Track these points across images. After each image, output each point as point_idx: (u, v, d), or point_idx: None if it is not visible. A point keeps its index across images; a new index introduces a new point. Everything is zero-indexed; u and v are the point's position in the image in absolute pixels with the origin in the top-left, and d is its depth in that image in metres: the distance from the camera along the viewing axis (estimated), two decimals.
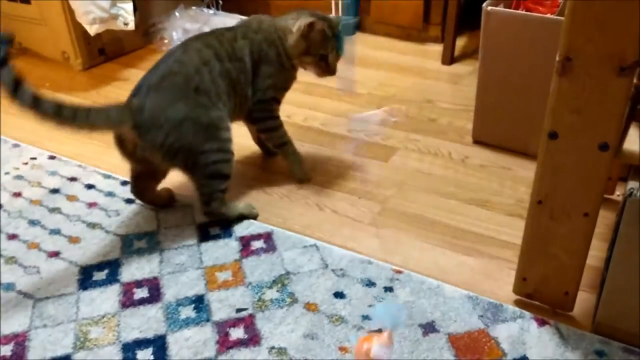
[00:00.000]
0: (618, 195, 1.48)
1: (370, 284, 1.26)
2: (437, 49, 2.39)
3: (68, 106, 1.25)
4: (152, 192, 1.52)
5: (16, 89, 1.16)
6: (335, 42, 1.50)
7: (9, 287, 1.28)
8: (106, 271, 1.32)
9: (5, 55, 1.14)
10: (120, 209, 1.52)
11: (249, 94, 1.49)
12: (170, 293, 1.25)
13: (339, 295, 1.24)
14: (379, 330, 1.07)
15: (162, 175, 1.50)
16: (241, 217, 1.47)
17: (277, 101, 1.57)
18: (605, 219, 1.32)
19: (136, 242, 1.40)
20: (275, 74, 1.50)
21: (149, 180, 1.50)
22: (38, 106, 1.20)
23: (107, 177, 1.65)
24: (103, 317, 1.20)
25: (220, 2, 2.66)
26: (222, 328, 1.17)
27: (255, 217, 1.48)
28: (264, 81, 1.49)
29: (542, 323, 1.16)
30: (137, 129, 1.33)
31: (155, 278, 1.29)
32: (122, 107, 1.34)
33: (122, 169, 1.59)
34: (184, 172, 1.41)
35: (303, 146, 1.77)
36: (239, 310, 1.21)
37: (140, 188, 1.51)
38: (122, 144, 1.40)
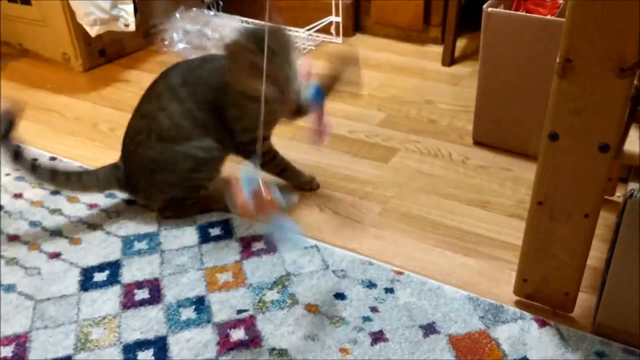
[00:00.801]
0: (618, 197, 1.48)
1: (371, 285, 1.27)
2: (437, 50, 2.39)
3: (62, 172, 1.43)
4: None
5: (17, 157, 1.34)
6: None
7: (10, 288, 1.28)
8: (107, 272, 1.32)
9: (8, 128, 1.31)
10: (121, 210, 1.52)
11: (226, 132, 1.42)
12: (170, 294, 1.25)
13: (339, 296, 1.24)
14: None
15: None
16: (204, 212, 1.50)
17: (264, 138, 1.44)
18: (605, 220, 1.32)
19: (137, 243, 1.40)
20: (245, 116, 1.37)
21: None
22: (36, 172, 1.39)
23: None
24: (104, 318, 1.20)
25: (221, 3, 2.66)
26: (223, 329, 1.17)
27: (223, 210, 1.48)
28: (234, 125, 1.41)
29: (542, 324, 1.16)
30: (122, 189, 1.50)
31: (156, 279, 1.29)
32: (108, 172, 1.47)
33: None
34: None
35: (303, 147, 1.77)
36: (239, 312, 1.21)
37: None
38: None
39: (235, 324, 1.18)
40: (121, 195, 1.57)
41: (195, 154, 1.40)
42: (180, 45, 2.37)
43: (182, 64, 1.47)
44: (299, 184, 1.59)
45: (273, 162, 1.53)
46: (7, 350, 1.13)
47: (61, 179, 1.42)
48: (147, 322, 1.19)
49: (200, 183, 1.45)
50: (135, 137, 1.43)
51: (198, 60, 1.47)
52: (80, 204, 1.54)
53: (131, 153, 1.44)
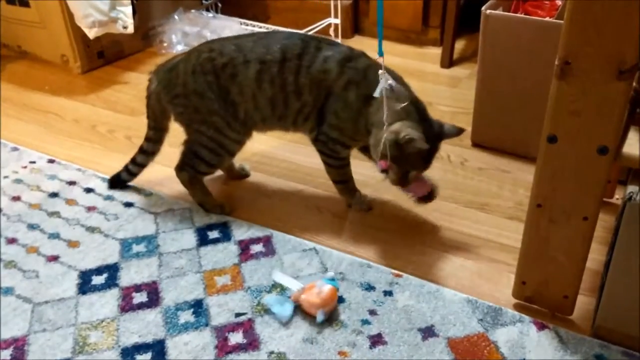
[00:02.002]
0: (617, 199, 1.48)
1: (369, 287, 1.26)
2: (436, 51, 2.39)
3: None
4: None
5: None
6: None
7: (8, 291, 1.28)
8: (105, 275, 1.31)
9: None
10: (119, 212, 1.51)
11: (311, 115, 1.41)
12: (169, 297, 1.25)
13: (338, 299, 1.23)
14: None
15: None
16: (202, 206, 1.52)
17: (343, 145, 1.43)
18: (604, 222, 1.32)
19: (135, 246, 1.40)
20: (345, 119, 1.38)
21: None
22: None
23: (106, 180, 1.64)
24: (102, 321, 1.20)
25: (220, 5, 2.66)
26: (221, 333, 1.16)
27: (221, 213, 1.50)
28: (329, 117, 1.39)
29: (541, 327, 1.16)
30: (159, 83, 1.46)
31: (154, 282, 1.29)
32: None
33: None
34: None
35: (301, 149, 1.76)
36: (238, 315, 1.20)
37: None
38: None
39: (233, 327, 1.18)
40: (120, 197, 1.57)
41: (216, 109, 1.41)
42: (179, 47, 2.37)
43: (299, 34, 1.49)
44: (350, 202, 1.53)
45: (335, 170, 1.48)
46: (6, 354, 1.13)
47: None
48: (145, 326, 1.19)
49: (224, 143, 1.44)
50: (212, 61, 1.39)
51: (316, 40, 1.43)
52: (79, 207, 1.54)
53: (199, 70, 1.41)
